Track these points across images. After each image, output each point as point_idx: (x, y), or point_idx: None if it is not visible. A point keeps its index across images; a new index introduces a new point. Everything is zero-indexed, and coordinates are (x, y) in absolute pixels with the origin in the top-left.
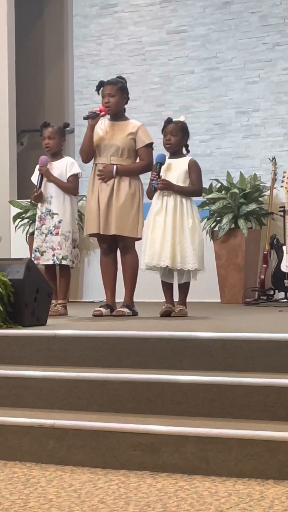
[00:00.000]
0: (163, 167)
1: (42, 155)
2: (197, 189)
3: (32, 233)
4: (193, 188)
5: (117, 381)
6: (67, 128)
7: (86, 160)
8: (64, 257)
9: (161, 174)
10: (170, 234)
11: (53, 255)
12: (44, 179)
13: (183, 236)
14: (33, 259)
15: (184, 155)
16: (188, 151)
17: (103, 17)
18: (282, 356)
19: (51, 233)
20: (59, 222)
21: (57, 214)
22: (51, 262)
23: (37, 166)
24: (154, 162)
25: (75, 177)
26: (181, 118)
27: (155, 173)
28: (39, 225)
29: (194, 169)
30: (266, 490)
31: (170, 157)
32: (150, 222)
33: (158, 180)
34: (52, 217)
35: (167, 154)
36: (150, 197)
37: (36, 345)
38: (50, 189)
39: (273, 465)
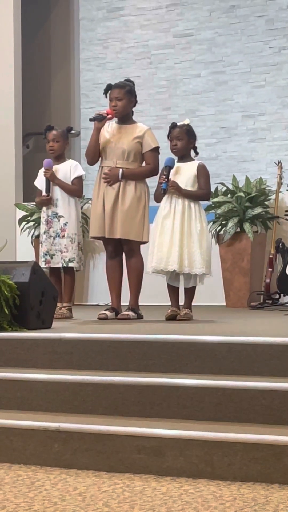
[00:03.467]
0: (172, 171)
1: (47, 158)
2: (206, 193)
3: (38, 236)
4: (201, 192)
5: (122, 384)
6: (71, 132)
7: (91, 162)
8: (71, 260)
9: (170, 177)
10: (178, 238)
11: (61, 258)
12: (51, 183)
13: (191, 240)
14: (43, 262)
15: (192, 159)
16: (197, 153)
17: (109, 20)
18: (287, 360)
19: (58, 236)
20: (65, 224)
21: (62, 216)
22: (60, 265)
23: (40, 171)
24: (164, 166)
25: (79, 180)
26: (186, 121)
27: (164, 176)
28: (46, 228)
29: (202, 173)
30: (271, 495)
31: (178, 161)
32: (158, 226)
33: (168, 182)
34: (59, 220)
35: (175, 158)
36: (158, 200)
37: (41, 348)
38: (56, 192)
39: (278, 469)
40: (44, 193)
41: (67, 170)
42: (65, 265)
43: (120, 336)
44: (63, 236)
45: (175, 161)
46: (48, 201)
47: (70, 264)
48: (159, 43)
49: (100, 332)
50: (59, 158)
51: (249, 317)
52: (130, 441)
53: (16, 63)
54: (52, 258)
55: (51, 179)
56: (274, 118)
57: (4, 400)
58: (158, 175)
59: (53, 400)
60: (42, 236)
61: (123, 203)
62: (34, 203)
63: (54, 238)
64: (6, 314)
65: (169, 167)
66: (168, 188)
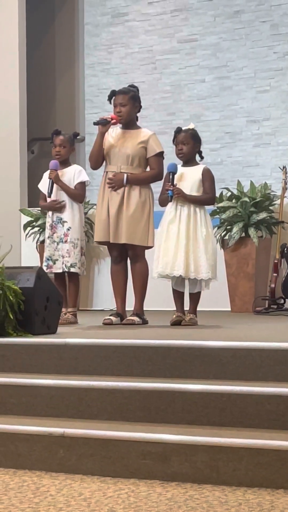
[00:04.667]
0: (176, 176)
1: (52, 160)
2: (210, 197)
3: (42, 241)
4: (206, 196)
5: (127, 389)
6: (77, 137)
7: (95, 167)
8: (72, 265)
9: (175, 183)
10: (183, 243)
11: (62, 263)
12: (55, 186)
13: (196, 245)
14: (45, 267)
15: (197, 163)
16: (202, 158)
17: (114, 26)
18: None
19: (62, 241)
20: (68, 229)
21: (66, 221)
22: (61, 270)
23: (45, 174)
24: (166, 172)
25: (82, 185)
26: (191, 126)
27: (169, 183)
28: (50, 233)
29: (207, 177)
30: (276, 500)
31: (183, 166)
32: (163, 231)
33: (173, 189)
34: (63, 225)
35: (179, 162)
36: (163, 205)
37: (46, 354)
38: (61, 197)
39: (284, 474)
40: (46, 196)
41: (72, 174)
42: (66, 270)
43: (125, 342)
44: (66, 241)
45: (179, 166)
46: (57, 206)
47: (72, 269)
48: (163, 49)
49: (105, 338)
50: (65, 163)
51: (254, 322)
52: (135, 447)
53: (21, 68)
54: (54, 263)
55: (55, 181)
56: (279, 123)
57: (9, 405)
58: (162, 180)
59: (58, 406)
60: (46, 241)
61: (128, 208)
62: (39, 208)
63: (57, 244)
64: (11, 320)
65: (172, 173)
66: (174, 196)
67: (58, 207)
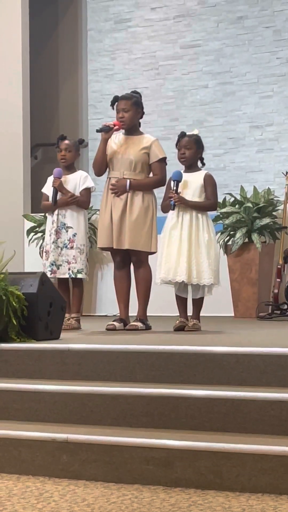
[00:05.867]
0: (180, 184)
1: (56, 168)
2: (213, 203)
3: None
4: (208, 202)
5: (131, 395)
6: (82, 143)
7: (98, 173)
8: (79, 271)
9: (179, 191)
10: (186, 249)
11: (69, 269)
12: (59, 193)
13: (199, 250)
14: (49, 272)
15: (199, 169)
16: (203, 164)
17: (117, 31)
18: None
19: (66, 246)
20: (74, 235)
21: (71, 227)
22: (67, 276)
23: (49, 178)
24: (171, 180)
25: (87, 191)
26: (195, 132)
27: (173, 191)
28: (55, 238)
29: (209, 183)
30: (280, 506)
31: (186, 171)
32: (165, 237)
33: (174, 196)
34: (67, 231)
35: (182, 168)
36: (165, 211)
37: (49, 359)
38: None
39: (287, 480)
40: (52, 204)
41: (77, 180)
42: (73, 276)
43: (128, 347)
44: (71, 247)
45: (182, 171)
46: (52, 208)
47: (79, 275)
48: (166, 54)
49: (108, 343)
50: (70, 168)
51: (257, 328)
52: (139, 452)
53: (24, 74)
54: (58, 268)
55: (59, 189)
56: (282, 129)
57: (13, 411)
58: (165, 186)
59: (61, 411)
60: (50, 245)
61: (131, 214)
62: (42, 214)
63: (61, 249)
64: (14, 325)
65: (176, 181)
66: (176, 204)
67: (69, 201)
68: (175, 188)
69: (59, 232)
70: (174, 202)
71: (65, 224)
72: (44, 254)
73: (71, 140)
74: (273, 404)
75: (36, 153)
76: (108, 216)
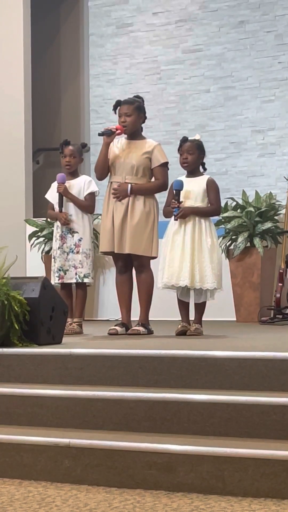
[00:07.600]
0: (182, 192)
1: (58, 173)
2: (216, 209)
3: (48, 252)
4: (212, 208)
5: (133, 399)
6: (85, 148)
7: (100, 177)
8: (86, 275)
9: (181, 199)
10: (189, 254)
11: (76, 274)
12: (64, 198)
13: (201, 255)
14: (57, 278)
15: (201, 174)
16: (205, 169)
17: (119, 36)
18: None
19: (72, 251)
20: (80, 240)
21: (77, 232)
22: (74, 281)
23: (53, 184)
24: (173, 190)
25: (92, 195)
26: (197, 137)
27: (175, 201)
28: (60, 243)
29: (212, 188)
30: (282, 510)
31: (188, 176)
32: (168, 241)
33: (178, 208)
34: (73, 236)
35: (183, 173)
36: (167, 216)
37: (51, 364)
38: (70, 208)
39: None
40: (57, 208)
41: (81, 185)
42: (80, 280)
43: (130, 352)
44: (77, 252)
45: (183, 177)
46: (63, 219)
47: (85, 280)
48: (168, 59)
49: (110, 348)
50: (74, 173)
51: (259, 332)
52: (141, 457)
53: (26, 79)
54: (65, 273)
55: (64, 194)
56: (284, 133)
57: (15, 416)
58: (167, 191)
59: (63, 416)
60: (56, 251)
61: (132, 218)
62: (44, 218)
63: (67, 254)
64: (17, 330)
65: (178, 190)
66: (178, 217)
67: (65, 222)
68: (177, 198)
69: (64, 237)
70: (176, 217)
71: (70, 229)
72: (52, 260)
73: (75, 146)
74: (276, 408)
75: (38, 157)
76: (110, 220)
